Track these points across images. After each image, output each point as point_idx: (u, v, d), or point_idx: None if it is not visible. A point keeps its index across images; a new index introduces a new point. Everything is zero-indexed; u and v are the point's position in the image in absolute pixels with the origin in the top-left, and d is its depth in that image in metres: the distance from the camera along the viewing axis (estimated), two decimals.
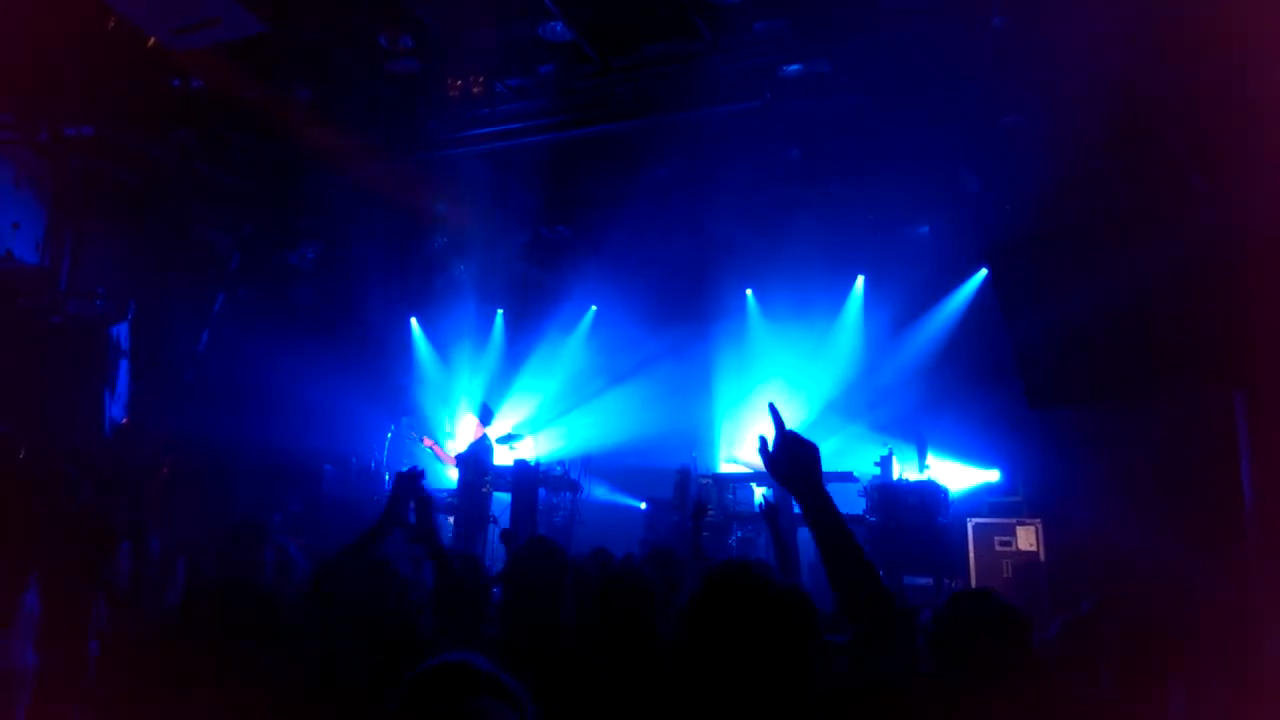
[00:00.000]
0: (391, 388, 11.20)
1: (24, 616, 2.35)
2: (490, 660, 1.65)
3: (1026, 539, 7.92)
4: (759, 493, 9.20)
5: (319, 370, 9.28)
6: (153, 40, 6.43)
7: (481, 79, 7.41)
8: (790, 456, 2.03)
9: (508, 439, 10.11)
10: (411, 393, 11.56)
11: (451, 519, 9.26)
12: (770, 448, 2.07)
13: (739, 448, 10.32)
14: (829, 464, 8.48)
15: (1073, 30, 6.10)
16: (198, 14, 5.77)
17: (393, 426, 10.52)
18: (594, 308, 11.61)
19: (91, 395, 7.80)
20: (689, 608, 1.91)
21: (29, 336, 7.26)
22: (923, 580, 7.73)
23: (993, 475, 8.98)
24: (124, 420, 8.05)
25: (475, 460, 9.46)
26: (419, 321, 11.81)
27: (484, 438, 9.89)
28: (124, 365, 8.10)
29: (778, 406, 2.13)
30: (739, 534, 8.90)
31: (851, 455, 8.93)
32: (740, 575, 1.96)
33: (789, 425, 2.08)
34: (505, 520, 8.77)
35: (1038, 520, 7.99)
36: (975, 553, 8.04)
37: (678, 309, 10.80)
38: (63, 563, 3.21)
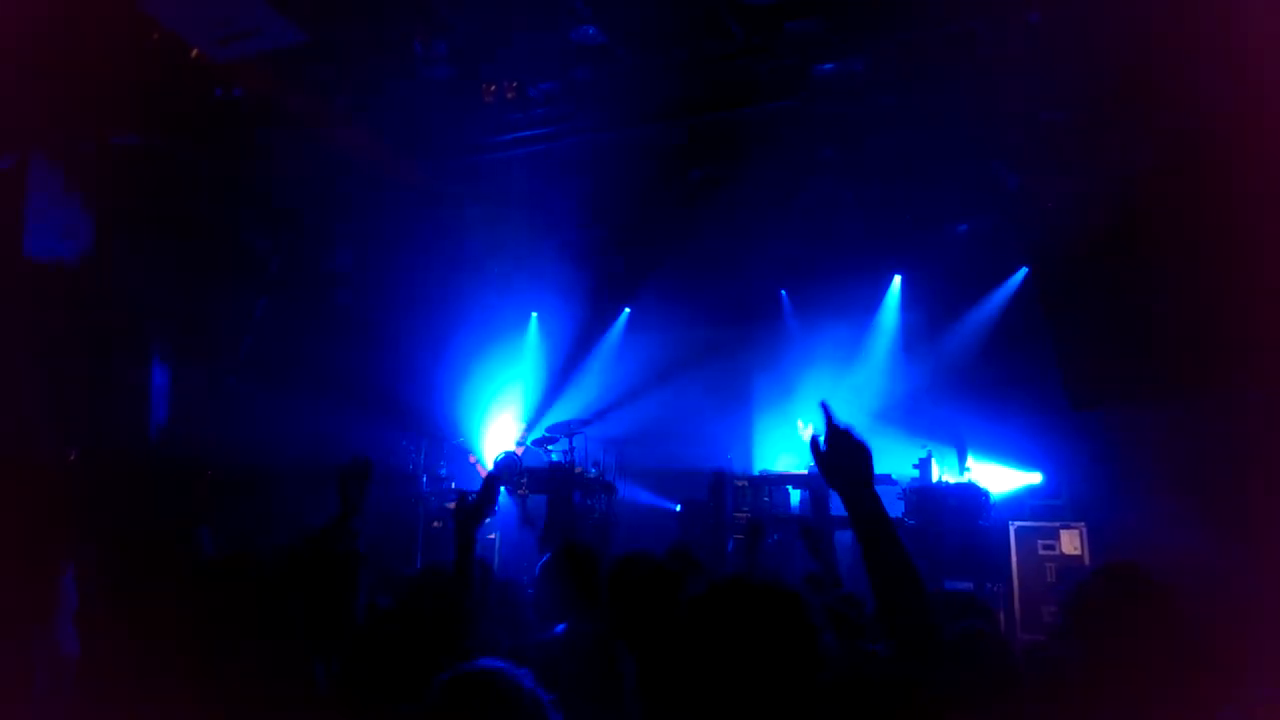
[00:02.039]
0: (428, 390, 11.30)
1: (65, 605, 2.42)
2: (521, 670, 1.68)
3: (1070, 543, 7.78)
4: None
5: (357, 375, 9.40)
6: (196, 51, 6.57)
7: (515, 84, 7.45)
8: (841, 456, 1.96)
9: (543, 441, 10.16)
10: (448, 397, 11.66)
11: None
12: (822, 446, 1.99)
13: (775, 449, 10.26)
14: None
15: (1112, 25, 5.98)
16: (239, 24, 5.89)
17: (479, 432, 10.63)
18: (628, 309, 11.63)
19: (137, 400, 7.98)
20: (687, 612, 1.88)
21: (76, 341, 7.44)
22: (963, 584, 7.63)
23: (1035, 478, 8.82)
24: (168, 424, 8.22)
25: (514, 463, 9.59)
26: (455, 324, 11.90)
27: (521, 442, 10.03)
28: (168, 370, 8.27)
29: (829, 404, 2.07)
30: (775, 537, 8.83)
31: (890, 458, 8.83)
32: (738, 580, 1.93)
33: (840, 423, 2.02)
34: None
35: (1082, 524, 7.84)
36: (1018, 557, 7.92)
37: (712, 310, 10.78)
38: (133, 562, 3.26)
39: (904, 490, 8.27)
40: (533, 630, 3.44)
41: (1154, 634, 2.16)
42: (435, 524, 9.60)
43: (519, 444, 10.14)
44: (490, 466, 10.05)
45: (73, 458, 7.08)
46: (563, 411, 11.21)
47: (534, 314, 11.99)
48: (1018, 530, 8.00)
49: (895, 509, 8.16)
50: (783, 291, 10.86)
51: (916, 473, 8.53)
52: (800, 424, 9.70)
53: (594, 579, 3.44)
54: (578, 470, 9.49)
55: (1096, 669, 2.17)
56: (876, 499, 1.94)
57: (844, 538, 8.61)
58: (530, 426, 10.80)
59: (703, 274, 10.13)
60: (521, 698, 1.63)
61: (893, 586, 1.89)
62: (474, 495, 3.07)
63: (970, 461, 8.65)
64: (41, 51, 6.33)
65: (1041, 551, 7.89)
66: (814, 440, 2.00)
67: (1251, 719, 2.16)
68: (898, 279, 10.31)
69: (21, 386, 6.84)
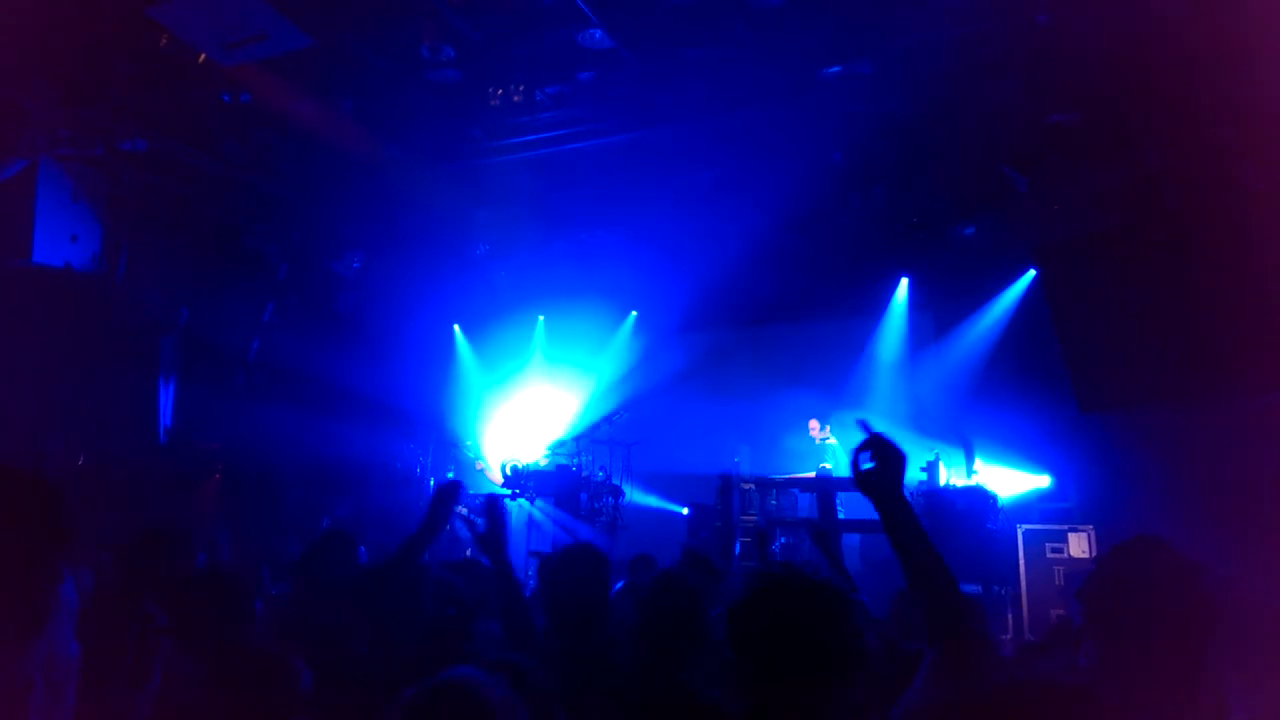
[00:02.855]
0: (435, 395, 11.32)
1: (64, 608, 2.42)
2: (496, 677, 1.67)
3: (1079, 546, 7.74)
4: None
5: (364, 378, 9.42)
6: (203, 56, 6.59)
7: (522, 87, 7.46)
8: (882, 467, 2.00)
9: (552, 446, 10.18)
10: (455, 400, 11.68)
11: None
12: (864, 458, 2.02)
13: (782, 452, 10.23)
14: None
15: (1120, 26, 5.96)
16: (246, 30, 5.91)
17: (464, 442, 10.68)
18: (635, 313, 11.62)
19: (146, 403, 8.01)
20: (739, 609, 1.89)
21: (85, 346, 7.46)
22: (972, 588, 7.60)
23: (1043, 481, 8.79)
24: (177, 428, 8.24)
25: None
26: (461, 328, 11.93)
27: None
28: (176, 374, 8.29)
29: (868, 420, 2.12)
30: (783, 540, 8.82)
31: None
32: (784, 574, 1.95)
33: (879, 434, 2.05)
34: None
35: (1090, 527, 7.80)
36: (1026, 560, 7.88)
37: (719, 313, 10.76)
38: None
39: (911, 493, 8.23)
40: (535, 635, 3.43)
41: (1182, 619, 2.10)
42: None
43: (545, 455, 10.15)
44: (496, 472, 10.06)
45: (81, 461, 7.11)
46: (570, 415, 11.22)
47: (541, 317, 11.99)
48: (1026, 533, 7.96)
49: None
50: (790, 293, 10.83)
51: (924, 475, 8.49)
52: (813, 424, 9.68)
53: (602, 585, 3.41)
54: (584, 474, 9.49)
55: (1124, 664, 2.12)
56: (909, 506, 1.99)
57: (850, 540, 8.60)
58: (539, 430, 10.81)
59: (710, 277, 10.12)
60: (494, 706, 1.63)
61: (930, 590, 1.93)
62: (482, 523, 3.17)
63: (978, 464, 8.62)
64: (51, 58, 6.36)
65: (1049, 554, 7.85)
66: (854, 453, 2.02)
67: None
68: (905, 281, 10.29)
69: (30, 390, 6.87)
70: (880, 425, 2.04)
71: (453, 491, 3.24)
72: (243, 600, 2.90)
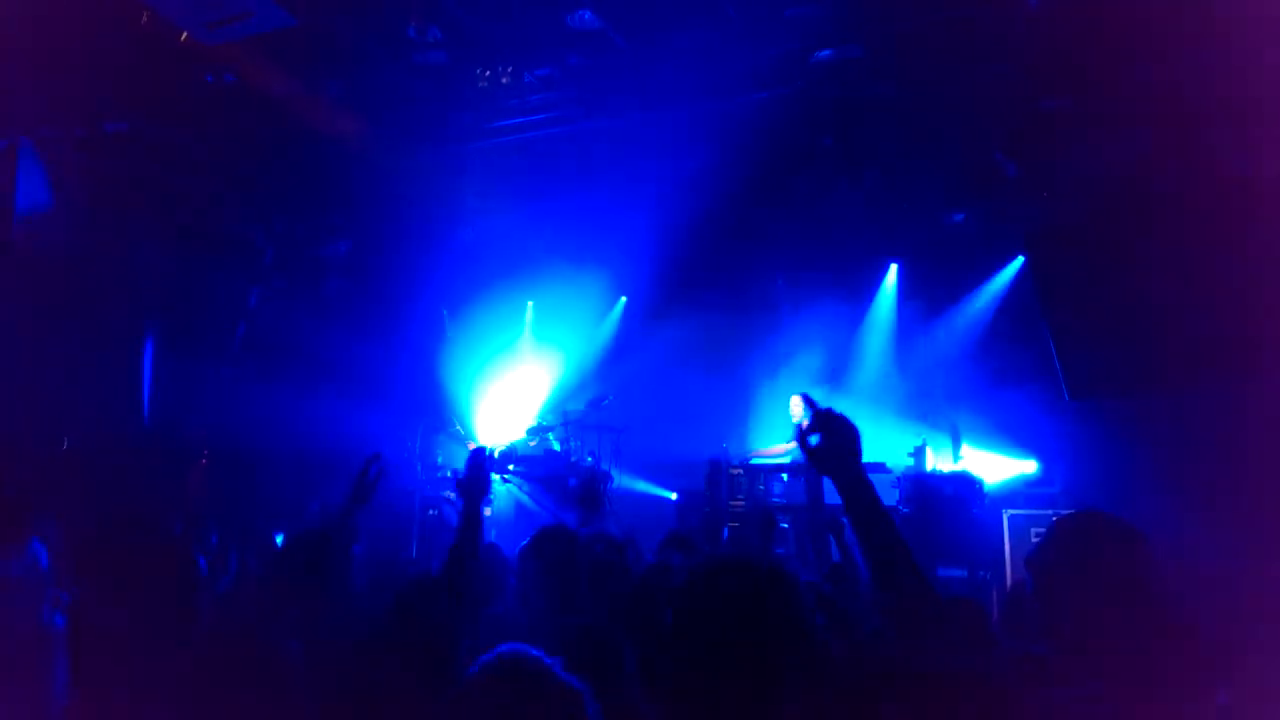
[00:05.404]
0: (423, 380, 11.28)
1: (38, 577, 2.38)
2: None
3: None
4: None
5: (352, 363, 9.37)
6: (185, 35, 6.50)
7: (510, 70, 7.39)
8: (831, 440, 1.94)
9: (540, 430, 10.16)
10: (443, 385, 11.64)
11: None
12: (810, 434, 1.97)
13: (765, 439, 10.25)
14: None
15: (1112, 10, 5.94)
16: (229, 8, 5.83)
17: (451, 423, 10.66)
18: (624, 298, 11.59)
19: (130, 387, 7.95)
20: (679, 593, 1.82)
21: (67, 328, 7.40)
22: (957, 572, 7.65)
23: (1029, 466, 8.84)
24: (162, 411, 8.19)
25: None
26: (449, 312, 11.87)
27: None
28: (160, 358, 8.23)
29: (810, 395, 2.07)
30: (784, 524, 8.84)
31: (884, 445, 8.85)
32: (726, 559, 1.90)
33: (822, 408, 2.01)
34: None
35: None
36: (1011, 545, 7.93)
37: (709, 298, 10.75)
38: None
39: (898, 478, 8.28)
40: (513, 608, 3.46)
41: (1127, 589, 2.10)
42: (431, 512, 9.59)
43: (530, 433, 10.16)
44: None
45: (65, 445, 7.06)
46: (559, 400, 11.20)
47: (530, 302, 11.95)
48: (1011, 519, 8.01)
49: (890, 497, 8.17)
50: (780, 279, 10.83)
51: (911, 460, 8.53)
52: (795, 401, 9.70)
53: (574, 564, 3.44)
54: (574, 459, 9.49)
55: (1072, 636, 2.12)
56: (863, 479, 1.94)
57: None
58: (527, 415, 10.79)
59: (700, 262, 10.10)
60: (560, 682, 1.65)
61: (890, 566, 1.92)
62: (464, 474, 3.18)
63: (964, 450, 8.66)
64: (31, 38, 6.26)
65: (1034, 539, 7.89)
66: (800, 432, 1.98)
67: (1248, 712, 2.14)
68: (894, 267, 10.29)
69: (11, 373, 6.81)
70: (824, 401, 2.00)
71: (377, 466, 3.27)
72: None
